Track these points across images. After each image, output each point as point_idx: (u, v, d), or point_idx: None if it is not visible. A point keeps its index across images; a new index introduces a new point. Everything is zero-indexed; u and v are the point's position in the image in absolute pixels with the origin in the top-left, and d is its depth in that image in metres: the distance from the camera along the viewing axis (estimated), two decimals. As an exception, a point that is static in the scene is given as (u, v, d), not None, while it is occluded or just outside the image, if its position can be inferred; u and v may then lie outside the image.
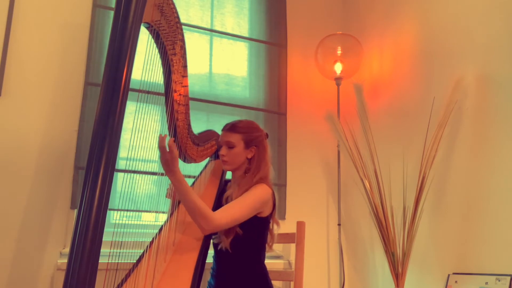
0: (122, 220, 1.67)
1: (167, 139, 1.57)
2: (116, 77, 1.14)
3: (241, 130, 1.92)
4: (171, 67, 1.66)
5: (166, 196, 1.93)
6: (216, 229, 1.75)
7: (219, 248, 1.83)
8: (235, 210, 1.77)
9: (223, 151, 1.92)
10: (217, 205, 1.90)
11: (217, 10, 2.80)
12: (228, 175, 2.12)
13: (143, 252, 1.67)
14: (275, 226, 1.98)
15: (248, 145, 1.92)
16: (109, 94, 1.14)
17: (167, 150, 1.56)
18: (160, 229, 1.78)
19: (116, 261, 1.44)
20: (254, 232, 1.87)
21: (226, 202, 1.85)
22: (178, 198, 1.75)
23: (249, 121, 2.01)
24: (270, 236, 1.97)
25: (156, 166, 1.92)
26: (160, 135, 1.55)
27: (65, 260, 2.08)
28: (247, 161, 1.94)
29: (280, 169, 2.72)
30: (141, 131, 1.49)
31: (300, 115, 2.90)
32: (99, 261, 1.16)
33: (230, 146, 1.91)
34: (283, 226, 2.38)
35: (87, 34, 2.39)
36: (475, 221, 2.06)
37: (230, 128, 1.94)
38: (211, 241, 1.90)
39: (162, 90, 1.72)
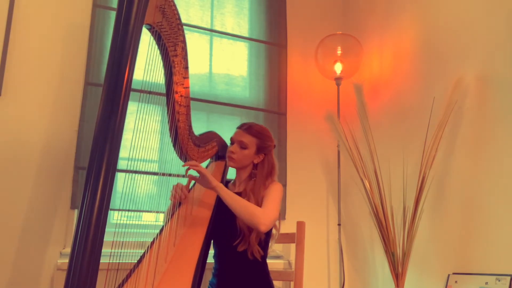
0: (123, 220, 1.67)
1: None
2: (117, 79, 1.14)
3: (258, 134, 1.96)
4: (173, 69, 1.67)
5: (170, 199, 1.93)
6: (272, 223, 1.80)
7: (250, 258, 1.84)
8: (274, 205, 1.83)
9: (234, 148, 1.94)
10: (218, 205, 1.90)
11: (217, 10, 2.80)
12: (229, 175, 2.12)
13: (144, 252, 1.68)
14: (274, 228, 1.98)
15: (259, 151, 1.96)
16: (111, 95, 1.14)
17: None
18: (161, 229, 1.79)
19: (117, 261, 1.45)
20: (267, 234, 1.89)
21: None
22: (229, 207, 1.80)
23: (265, 127, 2.04)
24: (275, 231, 1.98)
25: (156, 166, 1.93)
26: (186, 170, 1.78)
27: (65, 260, 2.09)
28: (253, 165, 1.96)
29: (280, 169, 2.70)
30: (142, 131, 1.50)
31: (300, 115, 2.90)
32: (100, 261, 1.16)
33: (243, 147, 1.94)
34: (283, 226, 2.38)
35: (87, 34, 2.39)
36: (475, 221, 2.07)
37: (248, 128, 1.96)
38: (212, 241, 1.91)
39: (163, 90, 1.72)
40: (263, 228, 1.75)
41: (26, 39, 2.26)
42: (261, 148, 1.96)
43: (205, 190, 1.97)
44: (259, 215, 1.75)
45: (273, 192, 1.89)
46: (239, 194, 1.92)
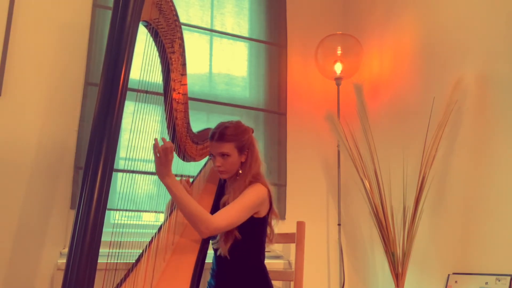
0: (122, 220, 1.67)
1: (161, 142, 1.60)
2: (114, 75, 1.14)
3: (232, 138, 1.86)
4: (170, 66, 1.66)
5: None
6: (215, 232, 1.75)
7: (218, 254, 1.82)
8: (233, 213, 1.76)
9: (219, 162, 1.87)
10: (217, 203, 1.89)
11: (217, 10, 2.80)
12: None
13: (142, 251, 1.67)
14: (273, 221, 1.96)
15: (241, 151, 1.89)
16: (108, 92, 1.13)
17: (160, 153, 1.60)
18: (160, 229, 1.78)
19: (117, 261, 1.44)
20: (252, 234, 1.86)
21: (223, 207, 1.82)
22: (174, 203, 1.74)
23: (235, 124, 1.91)
24: (270, 230, 1.96)
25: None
26: (156, 139, 1.58)
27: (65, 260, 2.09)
28: (241, 164, 1.93)
29: (280, 169, 2.72)
30: (141, 131, 1.50)
31: (300, 115, 2.90)
32: (100, 261, 1.16)
33: (225, 155, 1.87)
34: (283, 226, 2.38)
35: (87, 34, 2.39)
36: (475, 221, 2.06)
37: (219, 138, 1.86)
38: (211, 241, 1.90)
39: (161, 90, 1.72)
40: (203, 236, 1.72)
41: (26, 39, 2.26)
42: (241, 147, 1.88)
43: (204, 187, 1.97)
44: (203, 220, 1.68)
45: (245, 195, 1.81)
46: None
